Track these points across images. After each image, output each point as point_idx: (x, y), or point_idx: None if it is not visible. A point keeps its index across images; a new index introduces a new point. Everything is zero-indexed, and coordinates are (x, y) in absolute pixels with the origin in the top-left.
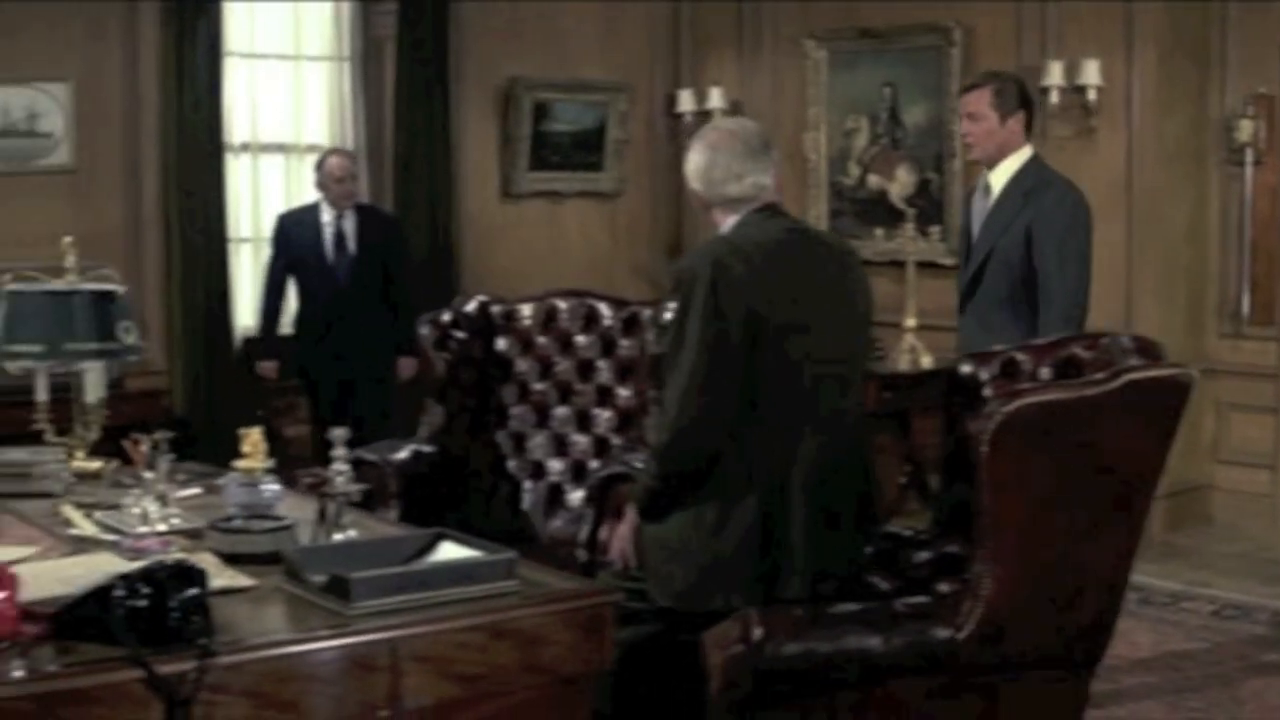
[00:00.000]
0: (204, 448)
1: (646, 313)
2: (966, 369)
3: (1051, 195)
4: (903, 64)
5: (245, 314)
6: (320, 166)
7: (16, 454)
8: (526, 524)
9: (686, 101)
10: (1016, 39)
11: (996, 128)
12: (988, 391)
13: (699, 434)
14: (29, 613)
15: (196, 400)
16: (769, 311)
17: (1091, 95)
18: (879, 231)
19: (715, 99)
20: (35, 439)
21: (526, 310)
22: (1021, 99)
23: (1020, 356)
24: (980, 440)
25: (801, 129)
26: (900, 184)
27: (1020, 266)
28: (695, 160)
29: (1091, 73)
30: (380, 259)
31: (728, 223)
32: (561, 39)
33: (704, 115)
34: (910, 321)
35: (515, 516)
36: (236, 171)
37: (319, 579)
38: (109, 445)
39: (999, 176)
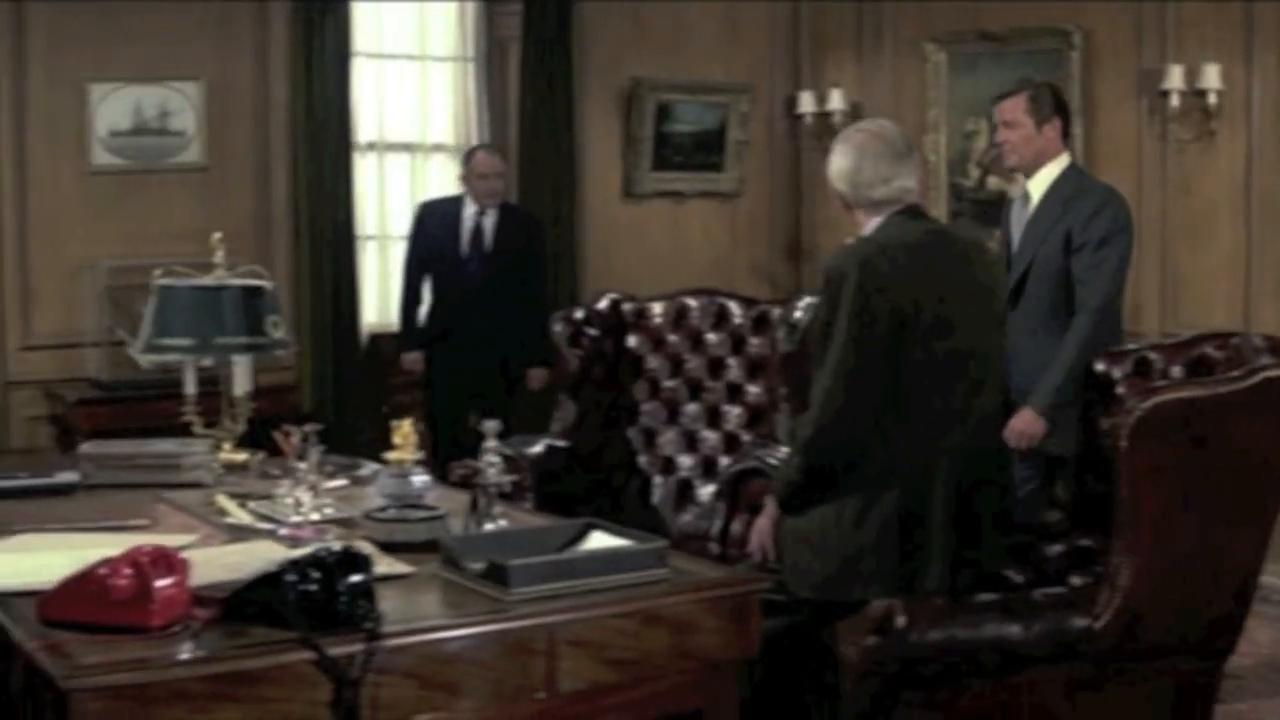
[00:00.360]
0: (330, 442)
1: (776, 311)
2: (1100, 367)
3: (1090, 202)
4: (1023, 67)
5: (371, 311)
6: (467, 160)
7: (166, 445)
8: (656, 518)
9: (807, 103)
10: (1136, 42)
11: (1033, 134)
12: (1121, 389)
13: (844, 429)
14: (199, 597)
15: (323, 396)
16: (915, 310)
17: (1212, 99)
18: (998, 233)
19: (835, 100)
20: (182, 431)
21: (657, 308)
22: (1057, 105)
23: (1152, 355)
24: (1119, 435)
25: (921, 131)
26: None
27: (1061, 274)
28: (841, 163)
29: (1212, 76)
30: (517, 260)
31: (871, 224)
32: (683, 40)
33: (824, 117)
34: None
35: (646, 511)
36: (363, 170)
37: (476, 566)
38: (244, 437)
39: (1037, 185)
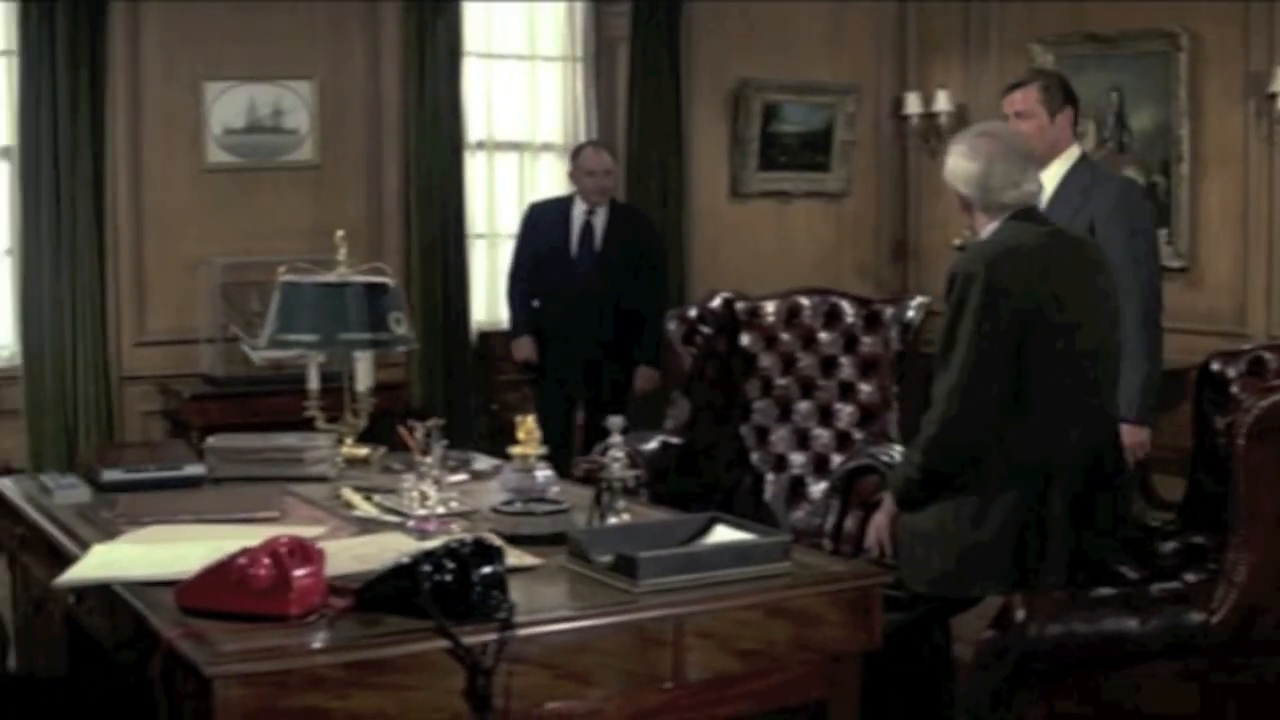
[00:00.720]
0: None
1: (889, 310)
2: (1215, 367)
3: (1112, 191)
4: (1130, 69)
5: (480, 309)
6: (575, 157)
7: (290, 439)
8: (768, 515)
9: (913, 104)
10: (1244, 45)
11: (1047, 125)
12: (1236, 389)
13: (966, 429)
14: (334, 587)
15: (433, 393)
16: (1038, 311)
17: None
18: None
19: (941, 102)
20: (303, 426)
21: (770, 307)
22: (1066, 95)
23: (1267, 355)
24: (1236, 434)
25: None
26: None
27: None
28: (969, 168)
29: None
30: (628, 260)
31: (989, 226)
32: (790, 41)
33: (930, 118)
34: None
35: (758, 507)
36: (473, 169)
37: (605, 558)
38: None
39: (1050, 176)
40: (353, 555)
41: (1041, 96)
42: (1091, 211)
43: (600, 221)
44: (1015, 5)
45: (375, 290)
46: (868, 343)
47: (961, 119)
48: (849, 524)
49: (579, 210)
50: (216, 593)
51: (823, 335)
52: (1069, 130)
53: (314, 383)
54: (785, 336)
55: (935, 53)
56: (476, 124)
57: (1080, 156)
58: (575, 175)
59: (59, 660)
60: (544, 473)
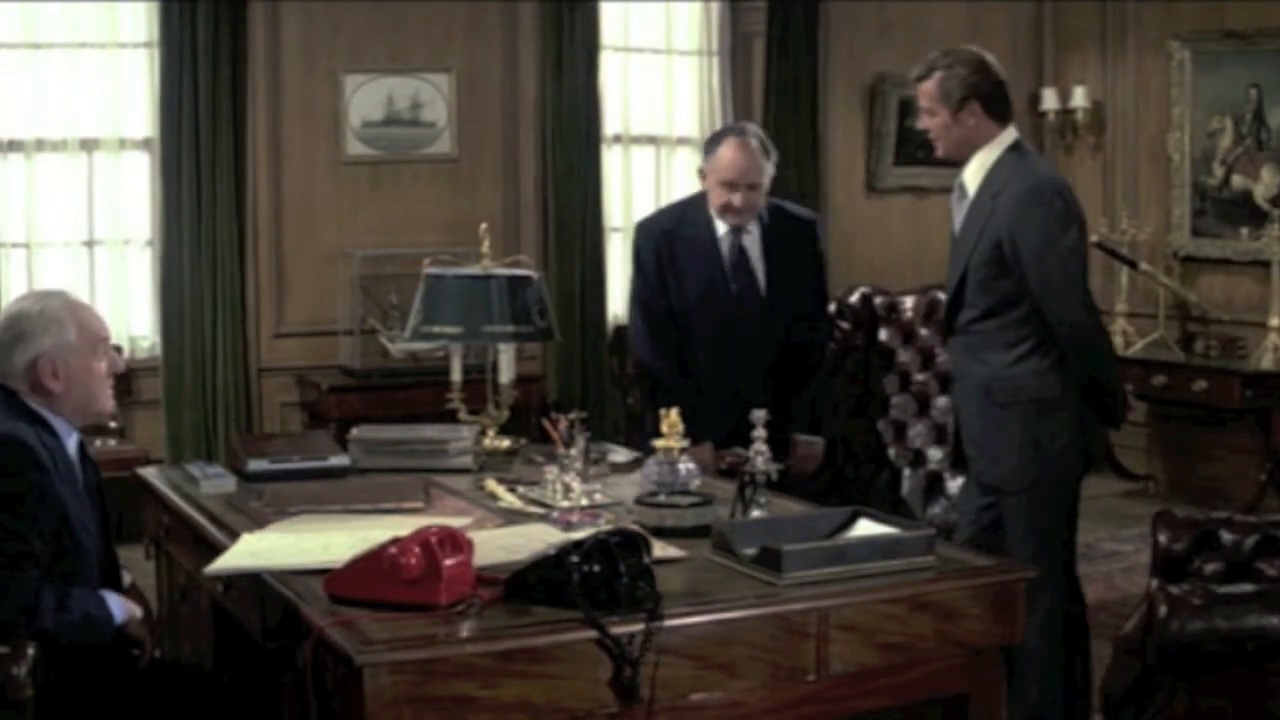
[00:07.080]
0: None
1: None
2: None
3: (1017, 198)
4: (1268, 65)
5: (617, 302)
6: (708, 151)
7: (431, 431)
8: (905, 510)
9: (1050, 100)
10: None
11: (949, 123)
12: None
13: None
14: (482, 577)
15: (569, 386)
16: None
17: None
18: (1243, 232)
19: (1079, 98)
20: (444, 418)
21: (908, 302)
22: (975, 85)
23: None
24: None
25: (1165, 129)
26: (1265, 185)
27: (999, 282)
28: None
29: None
30: (793, 291)
31: None
32: (927, 37)
33: (1067, 114)
34: (1275, 320)
35: (895, 502)
36: (609, 162)
37: (749, 551)
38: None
39: (972, 176)
40: (500, 546)
41: (938, 91)
42: (998, 221)
43: (755, 242)
44: (1153, 2)
45: (518, 283)
46: None
47: (1098, 116)
48: None
49: (723, 226)
50: (366, 582)
51: None
52: (984, 124)
53: (456, 374)
54: (924, 332)
55: (1072, 49)
56: (613, 118)
57: (1005, 150)
58: (710, 180)
59: (204, 648)
60: (687, 465)
